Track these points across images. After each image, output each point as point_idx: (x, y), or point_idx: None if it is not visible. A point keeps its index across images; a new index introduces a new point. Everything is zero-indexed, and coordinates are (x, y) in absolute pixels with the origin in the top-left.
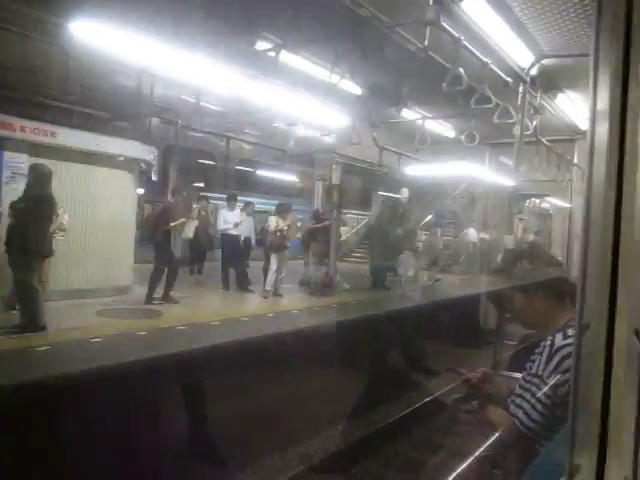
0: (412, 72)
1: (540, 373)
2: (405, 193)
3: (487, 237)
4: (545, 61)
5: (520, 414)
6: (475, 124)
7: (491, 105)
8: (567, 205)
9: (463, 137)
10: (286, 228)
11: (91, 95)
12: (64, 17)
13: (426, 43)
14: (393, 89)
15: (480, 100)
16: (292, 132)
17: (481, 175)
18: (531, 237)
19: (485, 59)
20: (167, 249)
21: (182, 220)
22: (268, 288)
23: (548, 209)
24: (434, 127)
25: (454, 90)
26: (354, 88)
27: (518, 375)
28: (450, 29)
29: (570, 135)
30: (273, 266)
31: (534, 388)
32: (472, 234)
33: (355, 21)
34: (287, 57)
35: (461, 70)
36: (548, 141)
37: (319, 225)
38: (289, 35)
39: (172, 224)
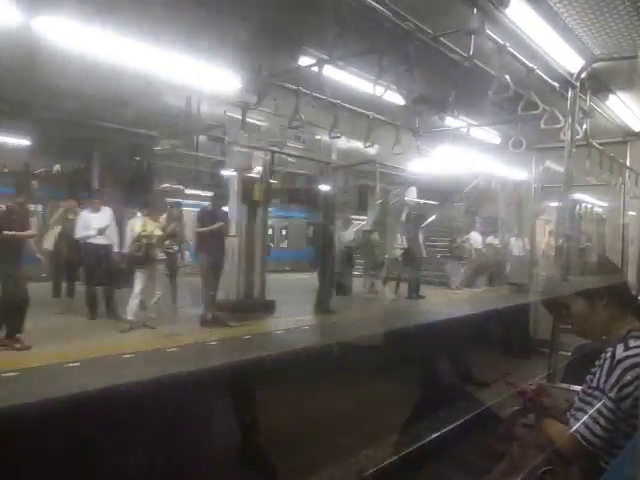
0: (456, 80)
1: (602, 386)
2: (413, 193)
3: (496, 242)
4: (595, 64)
5: (582, 429)
6: (521, 130)
7: (538, 111)
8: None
9: (510, 143)
10: (159, 234)
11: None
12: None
13: (471, 52)
14: (437, 98)
15: (527, 106)
16: (335, 144)
17: (498, 170)
18: (560, 242)
19: (531, 65)
20: (7, 269)
21: (30, 232)
22: (130, 318)
23: (600, 213)
24: (479, 134)
25: (499, 97)
26: (397, 98)
27: (576, 387)
28: (495, 37)
29: (622, 137)
30: (136, 287)
31: (595, 402)
32: (475, 239)
33: (399, 34)
34: (331, 71)
35: (507, 77)
36: (599, 144)
37: (204, 229)
38: (333, 50)
39: (8, 233)
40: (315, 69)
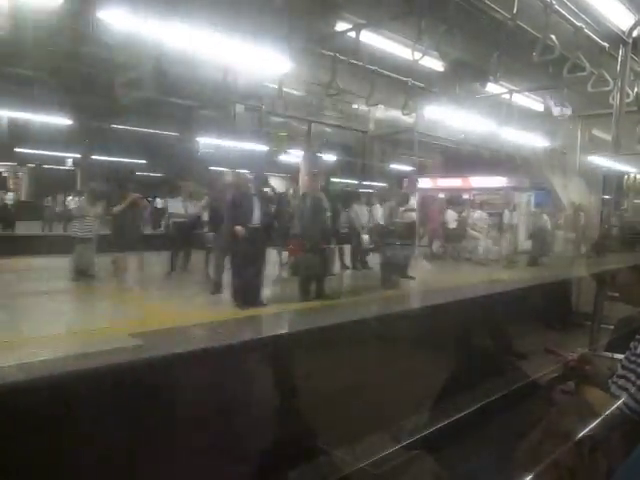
0: (498, 43)
1: None
2: None
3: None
4: None
5: (624, 396)
6: (566, 95)
7: (585, 73)
8: None
9: (554, 109)
10: None
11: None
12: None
13: (515, 11)
14: (477, 63)
15: (572, 69)
16: (373, 113)
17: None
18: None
19: (579, 24)
20: None
21: None
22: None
23: None
24: (521, 100)
25: (544, 60)
26: (436, 64)
27: (619, 356)
28: None
29: None
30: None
31: (639, 369)
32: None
33: None
34: (367, 36)
35: (553, 37)
36: None
37: None
38: (370, 14)
39: None
40: (352, 34)
